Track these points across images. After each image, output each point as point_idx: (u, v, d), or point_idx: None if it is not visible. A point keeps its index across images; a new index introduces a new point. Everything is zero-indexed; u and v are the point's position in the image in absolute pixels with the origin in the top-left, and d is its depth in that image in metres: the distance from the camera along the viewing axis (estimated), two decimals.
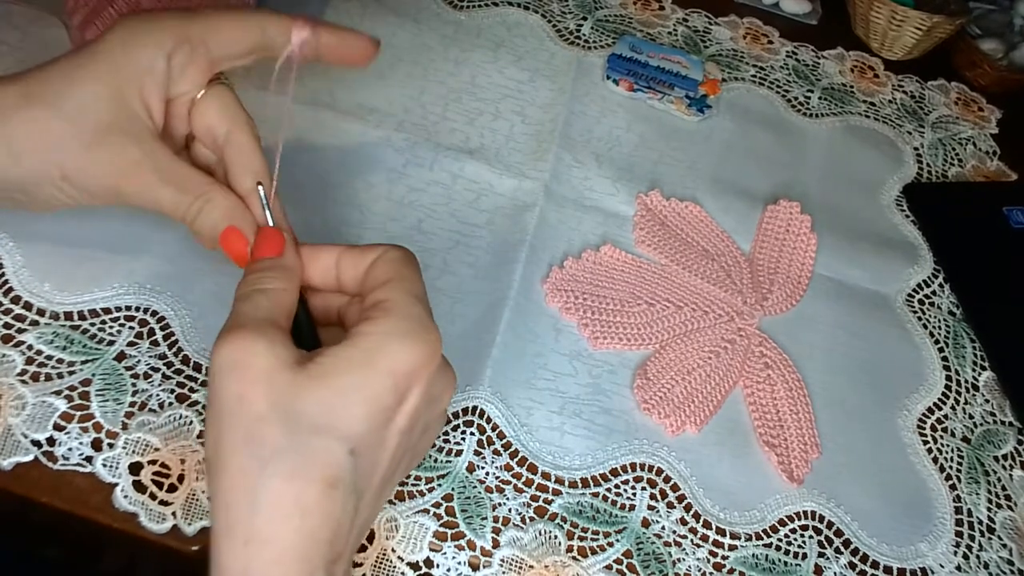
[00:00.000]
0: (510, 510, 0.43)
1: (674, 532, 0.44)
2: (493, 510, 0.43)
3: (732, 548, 0.44)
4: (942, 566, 0.46)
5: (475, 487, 0.43)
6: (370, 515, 0.33)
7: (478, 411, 0.46)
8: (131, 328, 0.45)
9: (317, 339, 0.36)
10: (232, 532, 0.29)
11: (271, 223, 0.37)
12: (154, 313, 0.45)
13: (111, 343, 0.44)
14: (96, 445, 0.40)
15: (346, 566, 0.31)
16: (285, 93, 0.38)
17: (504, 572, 0.41)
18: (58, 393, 0.41)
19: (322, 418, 0.29)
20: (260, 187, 0.38)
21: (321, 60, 0.39)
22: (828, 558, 0.45)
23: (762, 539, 0.45)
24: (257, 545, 0.28)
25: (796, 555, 0.45)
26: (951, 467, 0.50)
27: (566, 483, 0.45)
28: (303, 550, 0.28)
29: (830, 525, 0.46)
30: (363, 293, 0.35)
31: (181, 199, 0.36)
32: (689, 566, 0.43)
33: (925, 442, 0.51)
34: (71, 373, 0.42)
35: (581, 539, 0.43)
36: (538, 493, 0.44)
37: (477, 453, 0.45)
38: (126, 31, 0.35)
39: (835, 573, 0.45)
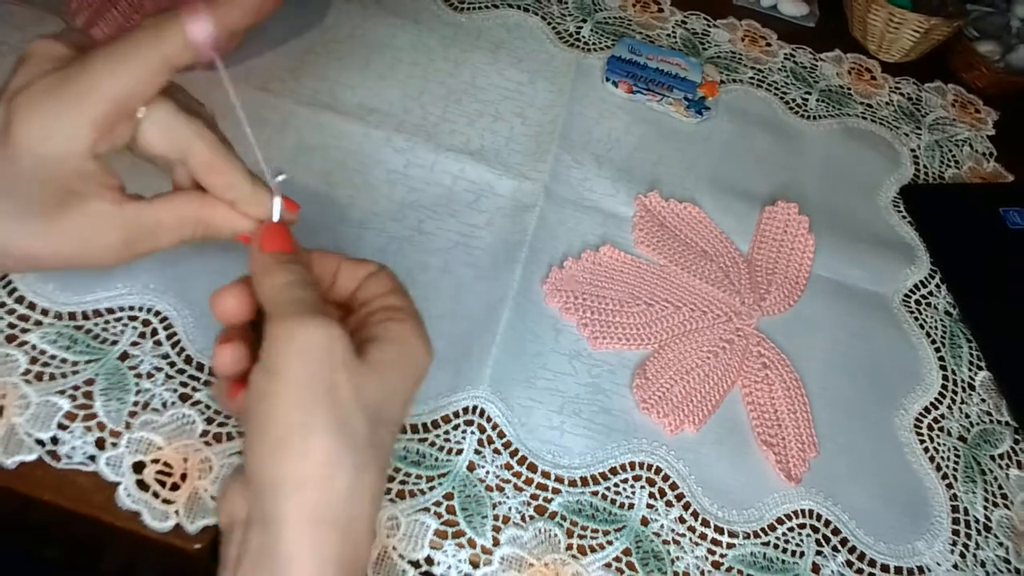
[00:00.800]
0: (510, 508, 0.43)
1: (673, 530, 0.45)
2: (493, 508, 0.43)
3: (730, 546, 0.45)
4: (939, 564, 0.47)
5: (475, 486, 0.44)
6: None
7: (478, 410, 0.46)
8: (134, 328, 0.45)
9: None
10: (314, 513, 0.29)
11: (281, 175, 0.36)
12: (157, 313, 0.46)
13: (114, 343, 0.44)
14: (99, 444, 0.41)
15: None
16: (246, 79, 0.35)
17: (504, 570, 0.41)
18: (62, 392, 0.42)
19: (382, 409, 0.31)
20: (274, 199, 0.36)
21: (234, 32, 0.33)
22: (826, 556, 0.46)
23: (760, 537, 0.46)
24: (339, 527, 0.29)
25: (794, 553, 0.45)
26: (948, 466, 0.51)
27: (566, 482, 0.45)
28: (372, 521, 0.31)
29: (827, 523, 0.47)
30: (362, 300, 0.35)
31: (179, 239, 0.35)
32: (688, 564, 0.44)
33: (922, 441, 0.52)
34: (75, 373, 0.42)
35: (581, 537, 0.43)
36: (538, 492, 0.44)
37: (477, 452, 0.45)
38: (36, 134, 0.30)
39: (832, 571, 0.45)
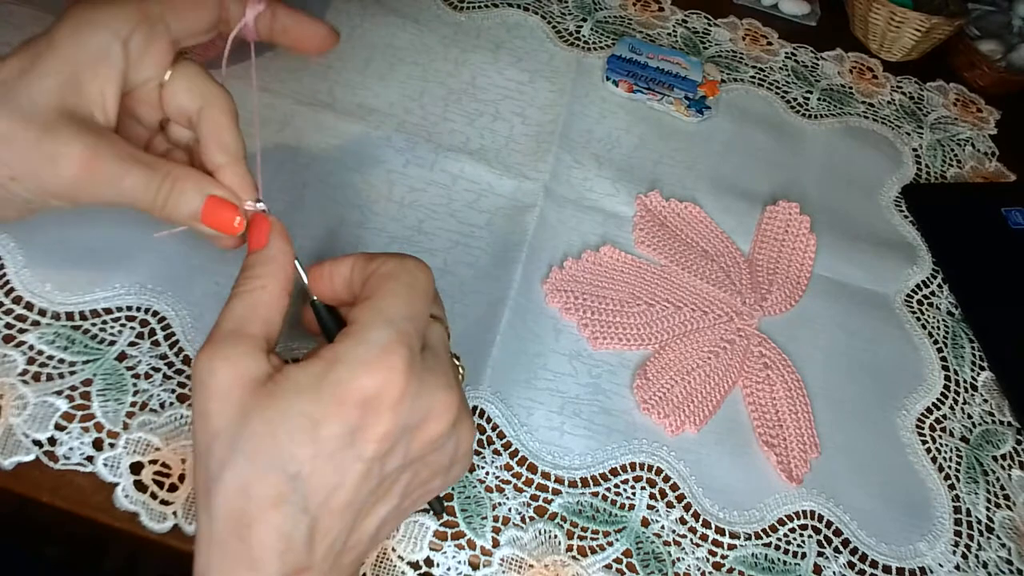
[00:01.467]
0: (510, 509, 0.43)
1: (673, 531, 0.44)
2: (493, 509, 0.43)
3: (731, 547, 0.45)
4: (941, 565, 0.46)
5: (475, 487, 0.44)
6: (347, 534, 0.32)
7: (478, 411, 0.46)
8: (132, 328, 0.45)
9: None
10: (199, 532, 0.31)
11: (260, 202, 0.37)
12: (155, 313, 0.45)
13: (112, 343, 0.44)
14: (97, 445, 0.41)
15: None
16: (249, 77, 0.38)
17: (504, 571, 0.41)
18: (59, 393, 0.42)
19: (265, 441, 0.30)
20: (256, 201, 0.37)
21: (276, 42, 0.38)
22: (827, 557, 0.45)
23: (761, 538, 0.45)
24: (213, 547, 0.30)
25: (795, 554, 0.45)
26: (950, 467, 0.51)
27: (566, 483, 0.45)
28: (251, 558, 0.29)
29: (829, 524, 0.47)
30: (365, 295, 0.35)
31: (144, 186, 0.34)
32: (688, 565, 0.43)
33: (924, 442, 0.51)
34: (72, 373, 0.42)
35: (581, 538, 0.43)
36: (538, 492, 0.44)
37: (477, 453, 0.45)
38: (78, 17, 0.33)
39: (834, 572, 0.45)
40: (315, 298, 0.36)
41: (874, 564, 0.46)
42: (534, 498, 0.44)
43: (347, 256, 0.36)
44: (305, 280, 0.36)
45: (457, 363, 0.38)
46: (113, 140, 0.34)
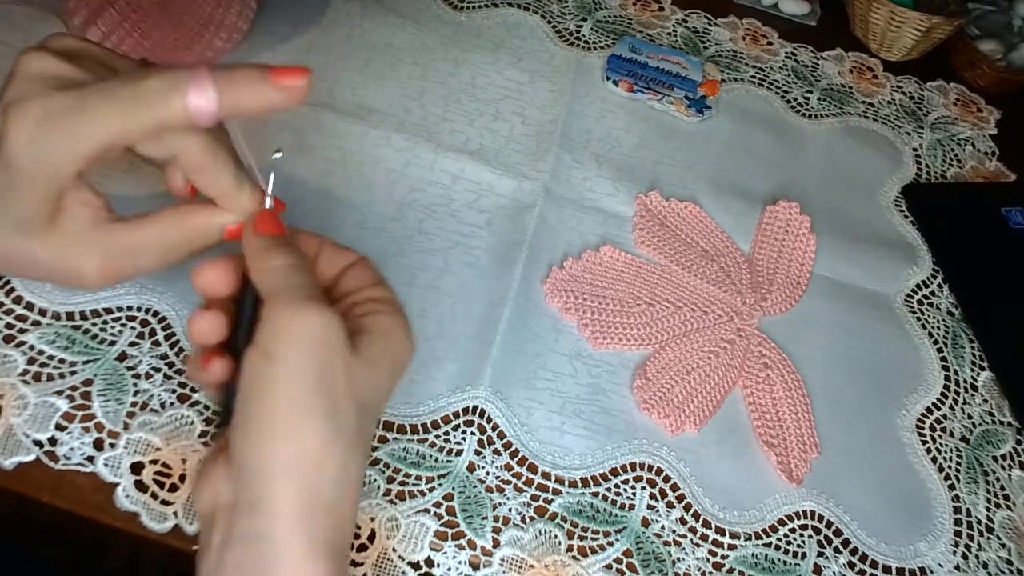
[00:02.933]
0: (510, 510, 0.43)
1: (674, 531, 0.44)
2: (493, 510, 0.43)
3: (731, 547, 0.45)
4: (941, 566, 0.46)
5: (475, 487, 0.44)
6: None
7: (478, 411, 0.46)
8: (132, 328, 0.45)
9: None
10: (305, 498, 0.29)
11: (268, 204, 0.35)
12: (155, 313, 0.45)
13: (112, 343, 0.44)
14: (98, 445, 0.41)
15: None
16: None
17: (504, 571, 0.41)
18: (60, 393, 0.42)
19: (369, 401, 0.32)
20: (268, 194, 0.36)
21: (241, 115, 0.33)
22: (827, 557, 0.45)
23: (761, 538, 0.45)
24: (328, 512, 0.30)
25: (795, 554, 0.45)
26: (950, 467, 0.51)
27: (566, 483, 0.45)
28: (355, 508, 0.32)
29: (829, 524, 0.47)
30: (345, 290, 0.35)
31: (161, 258, 0.34)
32: (689, 565, 0.43)
33: (924, 442, 0.51)
34: (73, 373, 0.42)
35: (581, 538, 0.43)
36: (538, 493, 0.44)
37: (477, 453, 0.45)
38: (27, 150, 0.30)
39: (834, 572, 0.45)
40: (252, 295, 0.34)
41: (874, 564, 0.46)
42: (534, 498, 0.44)
43: (311, 235, 0.36)
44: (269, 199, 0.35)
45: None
46: (115, 235, 0.33)
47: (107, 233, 0.33)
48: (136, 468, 0.40)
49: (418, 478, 0.43)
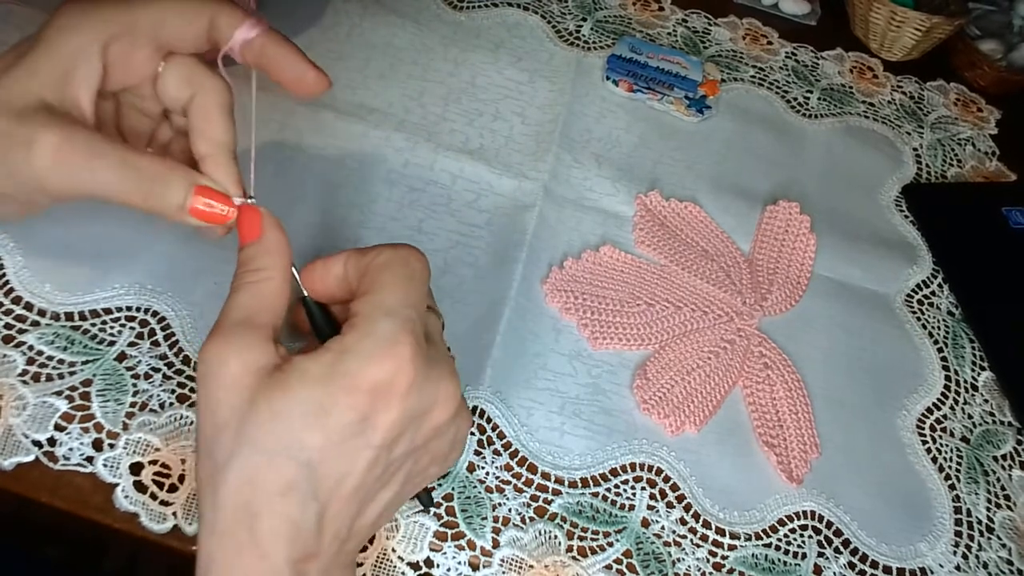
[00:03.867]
0: (510, 510, 0.43)
1: (674, 532, 0.44)
2: (493, 510, 0.43)
3: (732, 548, 0.45)
4: (941, 566, 0.46)
5: (475, 487, 0.44)
6: (352, 520, 0.32)
7: (478, 411, 0.46)
8: (132, 328, 0.45)
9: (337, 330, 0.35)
10: (202, 523, 0.31)
11: (251, 192, 0.36)
12: (155, 313, 0.45)
13: (112, 343, 0.44)
14: (97, 445, 0.40)
15: (324, 565, 0.31)
16: (250, 75, 0.36)
17: (504, 572, 0.41)
18: (59, 393, 0.41)
19: (275, 430, 0.30)
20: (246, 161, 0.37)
21: (264, 72, 0.37)
22: (827, 558, 0.45)
23: (762, 539, 0.45)
24: (218, 537, 0.30)
25: (796, 555, 0.45)
26: (950, 467, 0.51)
27: (566, 483, 0.45)
28: (260, 547, 0.30)
29: (829, 525, 0.47)
30: (360, 293, 0.35)
31: (120, 176, 0.34)
32: (689, 566, 0.43)
33: (924, 442, 0.51)
34: (72, 373, 0.42)
35: (581, 539, 0.43)
36: (538, 493, 0.44)
37: (477, 453, 0.45)
38: (64, 21, 0.34)
39: (835, 573, 0.45)
40: (307, 295, 0.36)
41: (874, 564, 0.46)
42: (534, 498, 0.44)
43: (339, 253, 0.36)
44: (298, 277, 0.36)
45: (449, 352, 0.38)
46: (89, 133, 0.34)
47: (79, 126, 0.33)
48: (135, 468, 0.40)
49: None
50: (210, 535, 0.30)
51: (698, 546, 0.44)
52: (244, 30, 0.35)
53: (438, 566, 0.41)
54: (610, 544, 0.43)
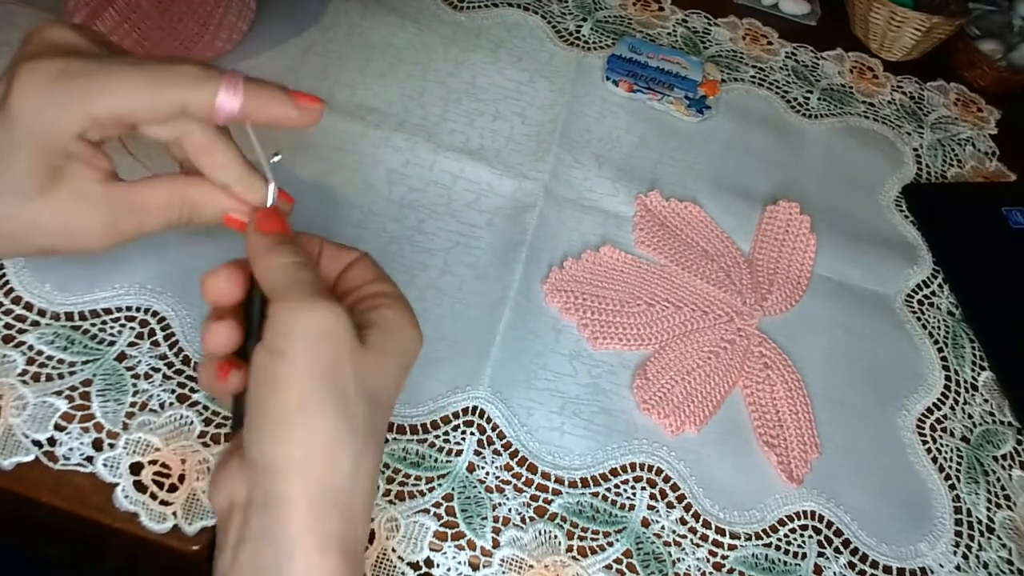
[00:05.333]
0: (510, 510, 0.43)
1: (674, 532, 0.44)
2: (493, 510, 0.43)
3: (732, 548, 0.45)
4: (941, 566, 0.46)
5: (475, 487, 0.43)
6: None
7: (478, 411, 0.46)
8: (132, 328, 0.45)
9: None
10: (317, 495, 0.29)
11: (271, 201, 0.35)
12: (155, 313, 0.45)
13: (112, 343, 0.44)
14: (97, 445, 0.40)
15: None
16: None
17: (504, 572, 0.41)
18: (59, 393, 0.41)
19: (381, 395, 0.32)
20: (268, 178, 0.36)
21: (254, 123, 0.35)
22: (828, 558, 0.45)
23: (762, 539, 0.45)
24: (340, 509, 0.30)
25: (796, 555, 0.45)
26: (950, 467, 0.51)
27: (566, 483, 0.45)
28: (370, 505, 0.31)
29: (829, 525, 0.47)
30: (349, 287, 0.35)
31: (165, 221, 0.34)
32: (689, 566, 0.43)
33: (924, 442, 0.51)
34: (72, 373, 0.42)
35: (581, 539, 0.43)
36: (538, 493, 0.44)
37: (477, 453, 0.45)
38: (31, 107, 0.30)
39: (835, 572, 0.45)
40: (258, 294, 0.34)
41: (875, 564, 0.46)
42: (534, 498, 0.44)
43: (312, 236, 0.36)
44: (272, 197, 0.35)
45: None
46: (121, 193, 0.33)
47: (114, 190, 0.33)
48: (135, 468, 0.40)
49: (418, 478, 0.43)
50: (331, 507, 0.30)
51: (698, 546, 0.44)
52: (223, 103, 0.32)
53: (438, 566, 0.41)
54: (610, 544, 0.43)
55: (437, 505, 0.42)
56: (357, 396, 0.30)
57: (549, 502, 0.44)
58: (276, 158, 0.35)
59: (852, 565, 0.45)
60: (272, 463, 0.29)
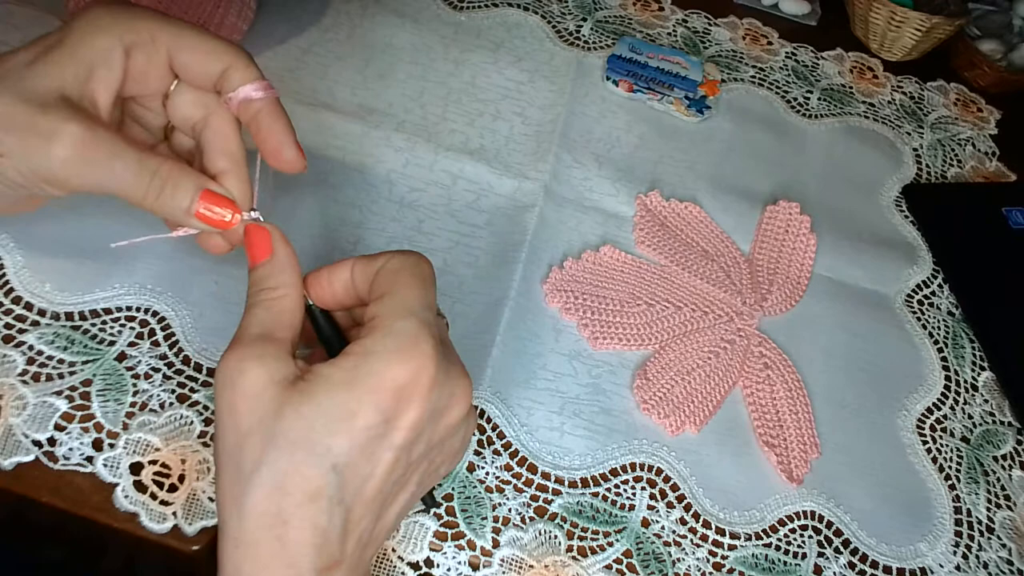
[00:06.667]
0: (510, 510, 0.43)
1: (674, 532, 0.44)
2: (493, 510, 0.43)
3: (732, 548, 0.45)
4: (941, 566, 0.46)
5: (475, 487, 0.43)
6: (373, 524, 0.33)
7: (478, 411, 0.46)
8: (132, 328, 0.45)
9: (345, 342, 0.35)
10: (225, 534, 0.30)
11: (254, 204, 0.37)
12: (155, 313, 0.45)
13: (112, 343, 0.44)
14: (97, 445, 0.40)
15: (345, 573, 0.31)
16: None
17: (504, 572, 0.41)
18: (59, 393, 0.41)
19: (303, 435, 0.30)
20: (257, 168, 0.37)
21: (249, 131, 0.38)
22: (828, 558, 0.45)
23: (762, 539, 0.45)
24: (244, 548, 0.30)
25: (796, 555, 0.45)
26: (950, 467, 0.51)
27: (566, 483, 0.45)
28: (288, 556, 0.30)
29: (829, 525, 0.47)
30: (376, 294, 0.35)
31: (137, 173, 0.34)
32: (689, 566, 0.43)
33: (924, 442, 0.51)
34: (72, 373, 0.42)
35: (581, 539, 0.43)
36: (538, 493, 0.44)
37: (477, 453, 0.45)
38: (93, 17, 0.34)
39: (835, 573, 0.45)
40: (311, 303, 0.36)
41: (875, 564, 0.46)
42: (534, 498, 0.44)
43: (345, 260, 0.36)
44: (304, 287, 0.36)
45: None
46: (109, 130, 0.34)
47: (100, 124, 0.34)
48: (135, 468, 0.40)
49: None
50: (235, 547, 0.30)
51: (698, 546, 0.44)
52: (250, 89, 0.36)
53: (438, 566, 0.41)
54: (610, 544, 0.43)
55: (438, 505, 0.42)
56: (257, 442, 0.31)
57: (549, 502, 0.44)
58: (254, 214, 0.37)
59: (852, 565, 0.45)
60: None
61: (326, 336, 0.36)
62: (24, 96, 0.33)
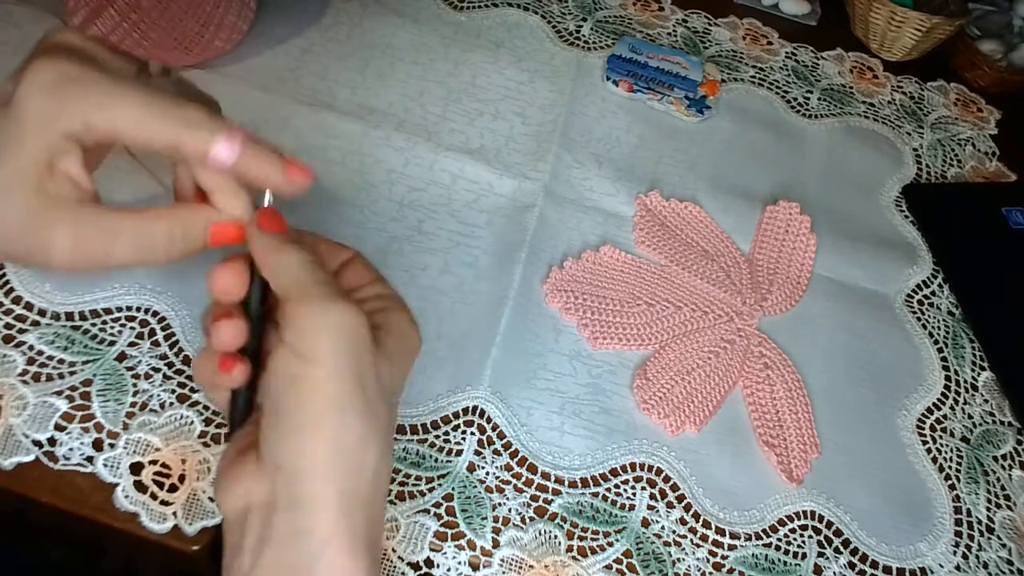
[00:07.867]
0: (510, 510, 0.43)
1: (674, 532, 0.44)
2: (493, 510, 0.43)
3: (732, 548, 0.45)
4: (941, 566, 0.46)
5: (475, 487, 0.43)
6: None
7: (478, 411, 0.46)
8: (132, 328, 0.45)
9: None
10: (346, 495, 0.30)
11: (267, 203, 0.35)
12: (155, 313, 0.45)
13: (112, 343, 0.44)
14: (97, 445, 0.40)
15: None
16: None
17: (504, 572, 0.41)
18: (59, 393, 0.41)
19: (393, 396, 0.32)
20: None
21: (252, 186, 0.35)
22: (828, 558, 0.45)
23: (762, 539, 0.45)
24: (366, 509, 0.30)
25: (796, 555, 0.45)
26: (950, 467, 0.51)
27: (566, 483, 0.45)
28: (385, 504, 0.32)
29: (829, 525, 0.47)
30: (348, 286, 0.35)
31: (139, 251, 0.33)
32: (689, 566, 0.43)
33: (924, 442, 0.51)
34: (72, 373, 0.42)
35: (581, 539, 0.43)
36: (538, 493, 0.44)
37: (477, 453, 0.45)
38: (26, 109, 0.31)
39: (835, 573, 0.45)
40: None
41: (874, 564, 0.46)
42: (534, 498, 0.44)
43: (304, 233, 0.36)
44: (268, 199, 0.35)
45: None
46: (98, 214, 0.33)
47: (87, 210, 0.32)
48: (135, 468, 0.40)
49: (418, 478, 0.43)
50: (344, 496, 0.30)
51: (698, 546, 0.44)
52: (218, 155, 0.32)
53: (438, 566, 0.41)
54: (610, 544, 0.43)
55: (437, 505, 0.42)
56: (378, 397, 0.31)
57: (549, 502, 0.44)
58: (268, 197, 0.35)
59: (852, 565, 0.45)
60: (298, 464, 0.29)
61: (255, 314, 0.34)
62: (7, 212, 0.31)
